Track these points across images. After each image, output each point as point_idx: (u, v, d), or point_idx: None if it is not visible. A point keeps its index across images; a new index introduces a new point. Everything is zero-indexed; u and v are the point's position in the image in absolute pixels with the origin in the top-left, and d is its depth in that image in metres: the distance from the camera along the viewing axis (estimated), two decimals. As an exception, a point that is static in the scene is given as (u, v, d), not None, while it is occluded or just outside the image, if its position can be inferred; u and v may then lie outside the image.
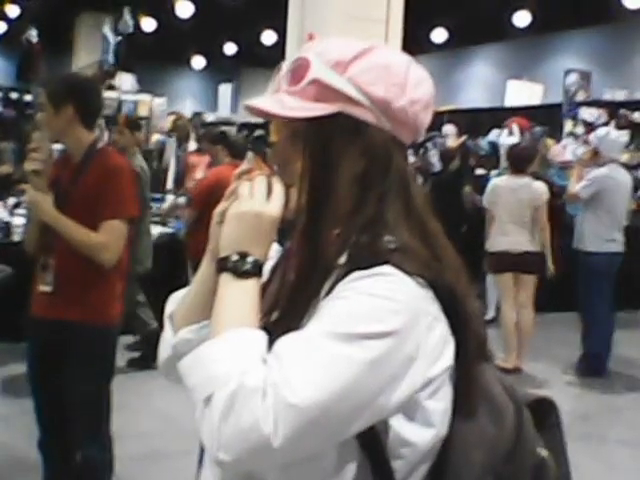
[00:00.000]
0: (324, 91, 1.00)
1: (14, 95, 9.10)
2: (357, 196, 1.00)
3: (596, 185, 5.40)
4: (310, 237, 1.00)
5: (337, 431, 0.88)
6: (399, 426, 0.93)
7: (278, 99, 1.02)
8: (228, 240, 0.98)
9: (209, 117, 12.25)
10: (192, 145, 7.89)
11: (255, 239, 0.97)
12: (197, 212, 4.81)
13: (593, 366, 5.55)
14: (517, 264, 5.49)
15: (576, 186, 5.51)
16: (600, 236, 5.42)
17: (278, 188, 1.00)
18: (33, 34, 8.61)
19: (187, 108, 15.08)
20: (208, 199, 4.71)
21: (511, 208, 5.44)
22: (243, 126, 10.52)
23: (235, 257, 0.96)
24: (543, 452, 1.06)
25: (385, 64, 1.02)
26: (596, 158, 5.52)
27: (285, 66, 1.05)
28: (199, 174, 6.40)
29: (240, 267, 0.96)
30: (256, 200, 0.98)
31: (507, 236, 5.46)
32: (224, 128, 6.69)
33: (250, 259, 0.96)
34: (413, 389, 0.91)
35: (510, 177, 5.53)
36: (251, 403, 0.83)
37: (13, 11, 12.97)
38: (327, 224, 0.99)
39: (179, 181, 7.50)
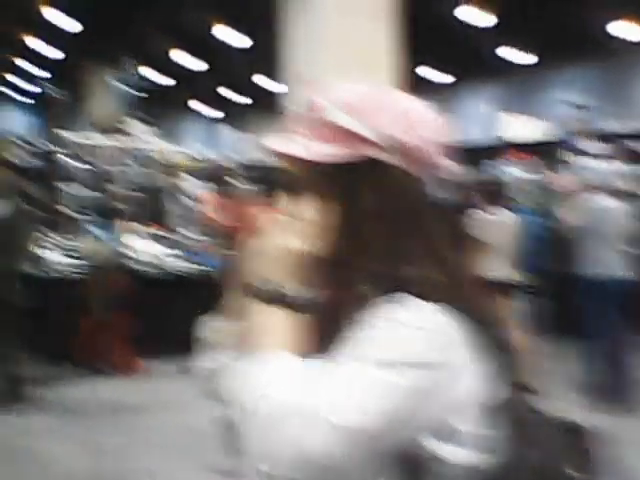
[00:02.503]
0: (339, 134, 1.05)
1: (44, 146, 9.54)
2: (378, 230, 1.05)
3: (591, 213, 5.59)
4: (336, 270, 1.06)
5: (374, 450, 0.92)
6: (433, 446, 0.97)
7: (299, 142, 1.07)
8: (261, 272, 1.04)
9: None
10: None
11: (287, 272, 1.03)
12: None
13: (608, 390, 5.57)
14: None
15: (572, 215, 5.73)
16: (599, 260, 5.55)
17: (306, 224, 1.06)
18: (52, 88, 9.21)
19: (195, 151, 15.38)
20: None
21: None
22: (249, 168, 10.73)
23: (269, 287, 1.03)
24: (577, 475, 1.08)
25: (399, 108, 1.07)
26: (588, 188, 5.76)
27: (295, 109, 1.18)
28: (209, 210, 6.58)
29: (274, 297, 1.03)
30: (286, 235, 1.05)
31: None
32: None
33: (283, 290, 1.03)
34: (445, 412, 0.96)
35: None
36: (293, 421, 0.89)
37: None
38: (351, 257, 1.05)
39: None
